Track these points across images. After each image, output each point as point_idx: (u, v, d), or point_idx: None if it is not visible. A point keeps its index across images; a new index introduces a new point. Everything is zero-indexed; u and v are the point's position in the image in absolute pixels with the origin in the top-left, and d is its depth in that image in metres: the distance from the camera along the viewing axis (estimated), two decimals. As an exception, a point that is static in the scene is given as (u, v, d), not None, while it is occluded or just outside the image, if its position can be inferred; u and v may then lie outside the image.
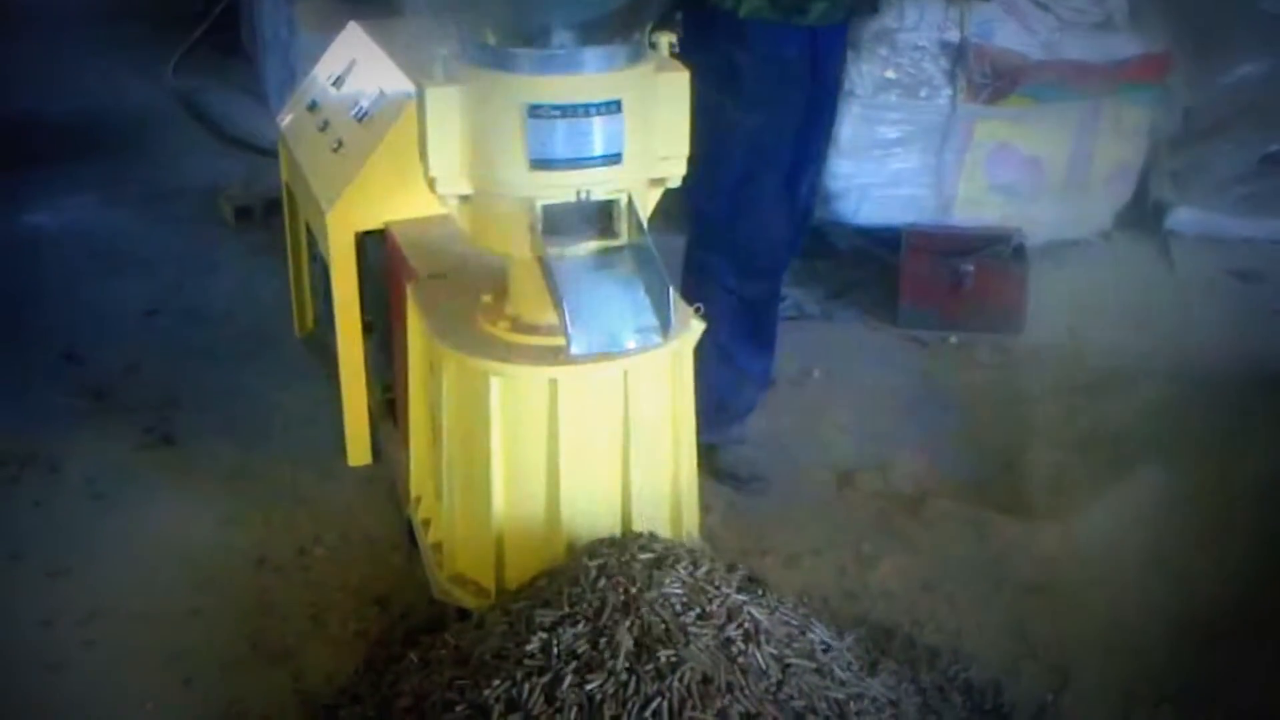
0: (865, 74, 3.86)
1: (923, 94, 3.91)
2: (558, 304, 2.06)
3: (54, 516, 2.87)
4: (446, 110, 2.09)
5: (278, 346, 3.64)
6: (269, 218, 4.49)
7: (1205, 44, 4.45)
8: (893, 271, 3.89)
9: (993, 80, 3.89)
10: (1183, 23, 4.36)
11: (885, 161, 3.95)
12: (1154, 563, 2.62)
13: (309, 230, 3.44)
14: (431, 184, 2.16)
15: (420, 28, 3.69)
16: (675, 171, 2.24)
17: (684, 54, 2.26)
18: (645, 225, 2.15)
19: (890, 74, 3.88)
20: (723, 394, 3.00)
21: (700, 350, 2.39)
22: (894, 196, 3.98)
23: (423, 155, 2.15)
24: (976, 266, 3.75)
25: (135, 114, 5.73)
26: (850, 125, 3.89)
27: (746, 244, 2.94)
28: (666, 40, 2.19)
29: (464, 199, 2.19)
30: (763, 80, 2.81)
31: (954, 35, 3.86)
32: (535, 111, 2.04)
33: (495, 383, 2.20)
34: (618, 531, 2.28)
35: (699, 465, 2.47)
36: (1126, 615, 2.52)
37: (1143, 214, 4.45)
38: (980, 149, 4.02)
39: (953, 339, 3.73)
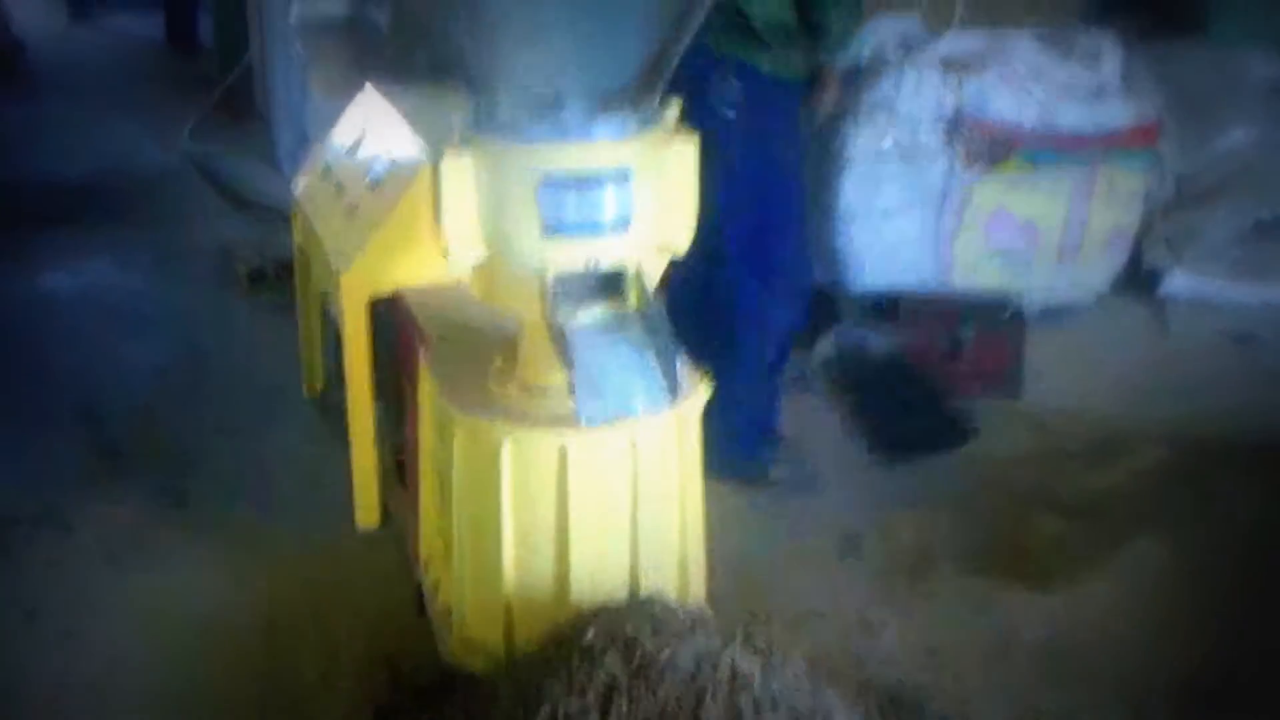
0: (864, 141, 3.94)
1: (920, 161, 3.99)
2: (568, 371, 2.11)
3: (68, 577, 2.89)
4: (461, 179, 2.14)
5: (289, 408, 3.68)
6: (281, 280, 4.55)
7: (1196, 111, 4.54)
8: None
9: (989, 147, 3.97)
10: (1174, 90, 4.45)
11: (884, 227, 4.01)
12: (1159, 629, 2.65)
13: (321, 293, 3.51)
14: (445, 250, 2.21)
15: (433, 95, 3.77)
16: (683, 238, 2.29)
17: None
18: (651, 292, 2.21)
19: (888, 141, 3.96)
20: (768, 418, 3.32)
21: (739, 386, 2.73)
22: (893, 261, 4.04)
23: (437, 222, 2.20)
24: (975, 332, 3.80)
25: (150, 177, 5.81)
26: (849, 191, 3.97)
27: (786, 270, 3.24)
28: (675, 109, 2.25)
29: (477, 265, 2.24)
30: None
31: (951, 103, 3.95)
32: (549, 180, 2.09)
33: (506, 446, 2.23)
34: (626, 595, 2.31)
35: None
36: (1132, 682, 2.54)
37: (1138, 278, 4.51)
38: (978, 214, 4.08)
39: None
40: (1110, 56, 4.10)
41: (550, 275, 2.14)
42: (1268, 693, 2.45)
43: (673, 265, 2.34)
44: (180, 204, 5.53)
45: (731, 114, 3.02)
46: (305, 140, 5.66)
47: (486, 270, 2.25)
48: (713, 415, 2.75)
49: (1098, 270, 4.34)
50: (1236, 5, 4.95)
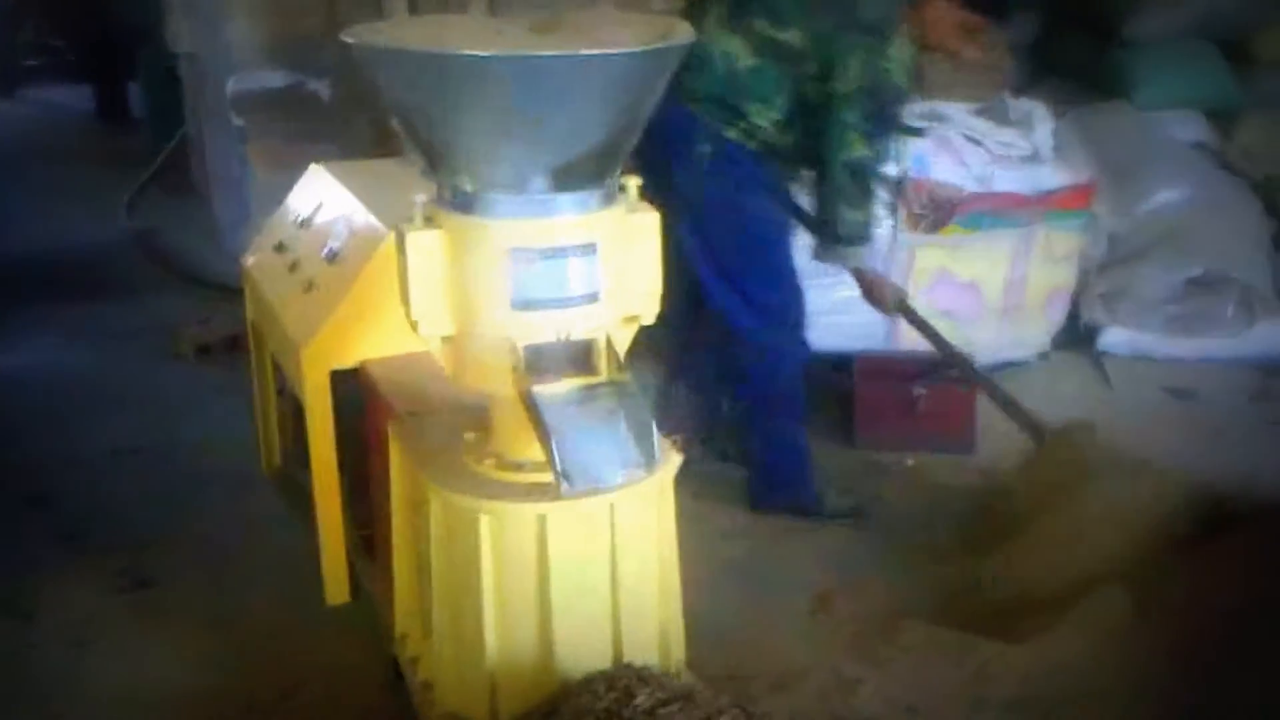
0: (813, 206, 4.01)
1: (867, 225, 4.08)
2: (545, 443, 2.12)
3: (34, 667, 2.84)
4: (427, 255, 2.17)
5: (246, 484, 3.64)
6: (229, 354, 4.54)
7: (1125, 173, 4.69)
8: (846, 396, 4.01)
9: (932, 211, 4.07)
10: (1103, 153, 4.59)
11: (834, 289, 4.05)
12: (1127, 678, 2.68)
13: (276, 367, 3.50)
14: (414, 326, 2.23)
15: (384, 169, 3.80)
16: (649, 308, 2.33)
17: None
18: (623, 361, 2.24)
19: (836, 206, 4.04)
20: (802, 451, 3.49)
21: (767, 423, 3.27)
22: (843, 323, 4.08)
23: (404, 298, 2.22)
24: (929, 390, 3.87)
25: (90, 254, 5.79)
26: (801, 255, 4.03)
27: (777, 306, 3.43)
28: (635, 183, 2.29)
29: (446, 339, 2.26)
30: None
31: (894, 169, 4.05)
32: (517, 255, 2.13)
33: (485, 520, 2.24)
34: (610, 663, 2.32)
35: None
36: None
37: (1076, 335, 4.63)
38: (922, 276, 4.19)
39: (909, 460, 3.82)
40: (1043, 122, 4.24)
41: (521, 347, 2.17)
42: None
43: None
44: (120, 279, 5.51)
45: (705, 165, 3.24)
46: (247, 214, 5.66)
47: (455, 345, 2.26)
48: (758, 456, 3.37)
49: (1039, 328, 4.45)
50: (1158, 71, 5.12)
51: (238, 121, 5.45)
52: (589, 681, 2.18)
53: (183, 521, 3.45)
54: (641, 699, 2.11)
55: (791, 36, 3.20)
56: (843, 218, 3.29)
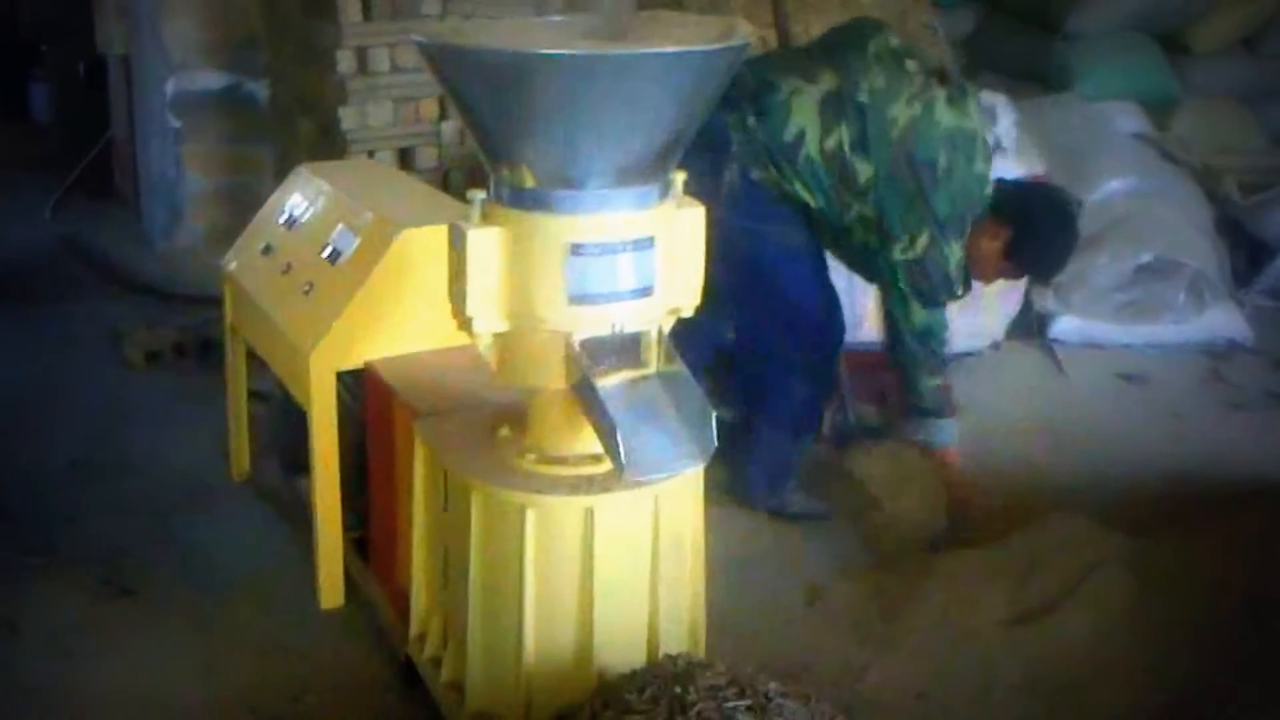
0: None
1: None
2: (609, 434, 2.12)
3: (23, 679, 2.72)
4: (487, 252, 2.15)
5: (215, 490, 3.55)
6: (179, 360, 4.42)
7: (1074, 162, 4.80)
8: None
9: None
10: (1052, 144, 4.70)
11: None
12: (1134, 657, 2.75)
13: (250, 372, 3.45)
14: (467, 323, 2.21)
15: (367, 170, 3.75)
16: (691, 301, 2.35)
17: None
18: (676, 353, 2.25)
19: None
20: (789, 459, 3.46)
21: (767, 430, 3.29)
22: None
23: (458, 296, 2.20)
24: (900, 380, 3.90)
25: (14, 258, 5.56)
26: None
27: (798, 343, 3.37)
28: (681, 178, 2.29)
29: (496, 335, 2.24)
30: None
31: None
32: (576, 250, 2.13)
33: (531, 515, 2.23)
34: (644, 656, 2.32)
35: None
36: (1117, 711, 2.63)
37: (1028, 323, 4.72)
38: (885, 265, 4.22)
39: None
40: (1006, 114, 4.32)
41: (576, 340, 2.16)
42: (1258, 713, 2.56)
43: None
44: (50, 284, 5.31)
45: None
46: (179, 217, 5.53)
47: (506, 341, 2.25)
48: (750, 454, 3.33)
49: (996, 317, 4.52)
50: (1099, 63, 5.27)
51: (175, 123, 5.33)
52: (648, 670, 2.18)
53: (155, 529, 3.33)
54: (694, 687, 2.11)
55: (863, 168, 3.11)
56: (925, 388, 3.27)
